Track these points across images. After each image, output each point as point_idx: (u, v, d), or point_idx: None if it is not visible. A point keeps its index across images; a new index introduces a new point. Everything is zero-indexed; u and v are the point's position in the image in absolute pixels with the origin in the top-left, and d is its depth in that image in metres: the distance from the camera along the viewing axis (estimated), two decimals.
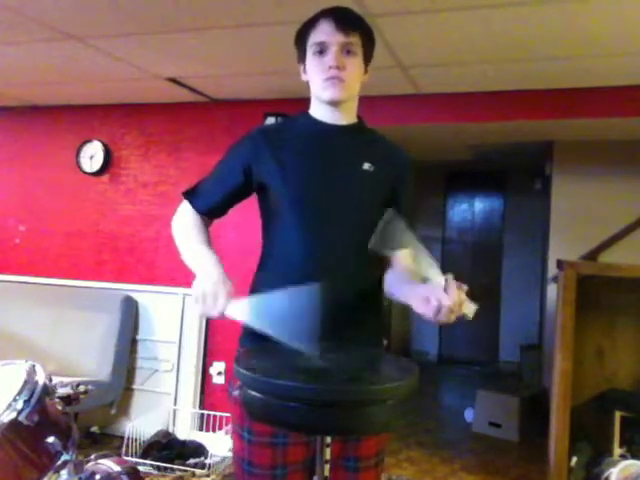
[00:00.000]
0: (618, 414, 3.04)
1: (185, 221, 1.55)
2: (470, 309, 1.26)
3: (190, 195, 1.57)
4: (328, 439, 1.27)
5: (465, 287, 1.25)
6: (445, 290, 1.23)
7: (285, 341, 1.24)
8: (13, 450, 1.63)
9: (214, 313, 1.30)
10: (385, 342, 1.59)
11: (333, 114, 1.49)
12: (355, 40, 1.43)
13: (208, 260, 1.42)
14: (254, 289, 1.53)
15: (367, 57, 1.49)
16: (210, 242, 1.52)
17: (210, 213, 1.57)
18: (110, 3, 2.34)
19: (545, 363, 4.49)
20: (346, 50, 1.42)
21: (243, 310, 1.32)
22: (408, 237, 1.38)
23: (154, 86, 3.56)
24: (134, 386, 3.81)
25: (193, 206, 1.55)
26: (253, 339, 1.48)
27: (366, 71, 1.51)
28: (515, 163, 5.75)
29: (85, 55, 3.00)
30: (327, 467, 1.27)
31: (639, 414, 3.05)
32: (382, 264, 1.59)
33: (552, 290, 4.04)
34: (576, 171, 4.34)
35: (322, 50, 1.42)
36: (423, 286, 1.30)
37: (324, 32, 1.42)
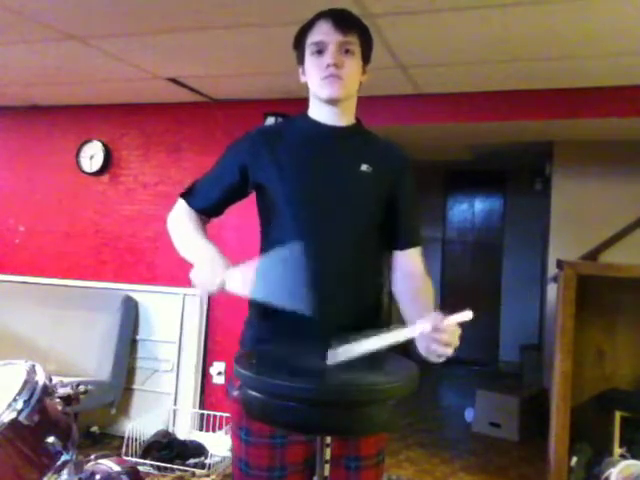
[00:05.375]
0: (618, 414, 3.04)
1: (182, 220, 1.56)
2: (465, 317, 1.24)
3: (186, 194, 1.58)
4: (328, 439, 1.27)
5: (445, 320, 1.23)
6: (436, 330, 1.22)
7: (286, 307, 1.26)
8: (13, 450, 1.63)
9: (214, 286, 1.32)
10: None
11: (332, 115, 1.49)
12: (353, 40, 1.43)
13: (203, 248, 1.45)
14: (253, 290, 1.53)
15: (365, 57, 1.49)
16: (206, 235, 1.53)
17: (206, 212, 1.57)
18: (110, 3, 2.34)
19: (545, 363, 4.49)
20: (344, 49, 1.42)
21: (243, 282, 1.33)
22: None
23: (154, 86, 3.56)
24: (134, 386, 3.80)
25: (189, 204, 1.56)
26: (253, 341, 1.49)
27: (364, 72, 1.51)
28: (515, 163, 5.75)
29: (85, 55, 3.00)
30: (327, 467, 1.27)
31: (639, 414, 3.05)
32: (388, 265, 1.59)
33: (552, 290, 4.04)
34: (576, 171, 4.35)
35: (320, 50, 1.43)
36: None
37: (322, 32, 1.42)
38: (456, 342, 1.24)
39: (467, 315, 1.22)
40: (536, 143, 4.36)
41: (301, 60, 1.50)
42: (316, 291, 1.42)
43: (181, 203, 1.58)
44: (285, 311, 1.32)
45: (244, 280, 1.33)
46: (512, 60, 2.83)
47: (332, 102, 1.47)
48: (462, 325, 1.25)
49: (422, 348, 1.27)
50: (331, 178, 1.47)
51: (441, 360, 1.26)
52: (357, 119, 1.56)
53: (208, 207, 1.57)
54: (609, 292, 3.31)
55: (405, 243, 1.58)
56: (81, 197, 4.14)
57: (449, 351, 1.23)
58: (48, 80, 3.60)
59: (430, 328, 1.22)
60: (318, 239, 1.45)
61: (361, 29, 1.47)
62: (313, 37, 1.44)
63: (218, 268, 1.34)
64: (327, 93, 1.44)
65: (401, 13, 2.31)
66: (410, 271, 1.56)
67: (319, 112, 1.51)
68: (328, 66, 1.41)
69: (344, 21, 1.43)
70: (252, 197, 1.56)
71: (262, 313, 1.49)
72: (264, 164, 1.47)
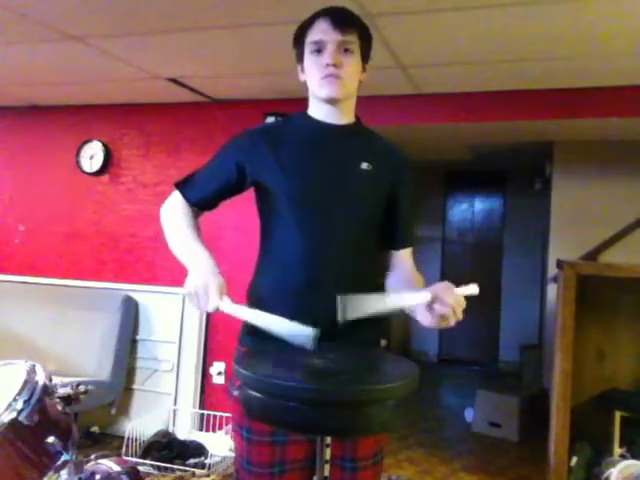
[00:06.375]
0: (618, 414, 3.03)
1: (176, 213, 1.55)
2: (472, 290, 1.27)
3: (182, 186, 1.57)
4: (328, 439, 1.27)
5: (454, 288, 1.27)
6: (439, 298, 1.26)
7: (284, 338, 1.25)
8: (13, 450, 1.63)
9: (207, 308, 1.31)
10: (384, 342, 1.61)
11: (331, 113, 1.49)
12: (352, 38, 1.43)
13: (198, 256, 1.43)
14: (252, 288, 1.54)
15: (364, 56, 1.49)
16: (200, 236, 1.52)
17: (200, 205, 1.57)
18: (110, 3, 2.34)
19: (545, 363, 4.49)
20: (343, 48, 1.42)
21: (239, 308, 1.32)
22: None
23: (154, 86, 3.56)
24: (134, 386, 3.80)
25: (184, 197, 1.55)
26: (253, 338, 1.49)
27: (364, 70, 1.51)
28: (515, 163, 5.75)
29: (85, 55, 3.00)
30: (327, 467, 1.27)
31: (639, 414, 3.05)
32: (382, 263, 1.60)
33: (552, 290, 4.04)
34: (576, 171, 4.34)
35: (319, 49, 1.43)
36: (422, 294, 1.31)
37: (321, 31, 1.42)
38: (460, 314, 1.26)
39: (473, 289, 1.24)
40: (536, 143, 4.36)
41: (300, 58, 1.50)
42: (316, 290, 1.42)
43: (176, 195, 1.57)
44: (285, 311, 1.32)
45: (239, 311, 1.33)
46: (512, 60, 2.83)
47: (331, 101, 1.47)
48: (463, 325, 1.26)
49: (423, 314, 1.31)
50: (332, 176, 1.47)
51: (442, 327, 1.29)
52: (357, 117, 1.56)
53: (203, 200, 1.56)
54: (609, 292, 3.31)
55: (402, 243, 1.59)
56: (81, 197, 4.14)
57: (453, 320, 1.26)
58: (48, 80, 3.60)
59: (439, 291, 1.26)
60: (318, 236, 1.45)
61: (360, 28, 1.47)
62: (312, 36, 1.44)
63: (213, 291, 1.30)
64: (326, 93, 1.44)
65: (401, 13, 2.31)
66: (404, 270, 1.57)
67: (319, 111, 1.51)
68: (327, 66, 1.41)
69: (343, 20, 1.43)
70: (252, 196, 1.56)
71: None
72: (264, 163, 1.47)
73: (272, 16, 2.40)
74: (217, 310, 1.31)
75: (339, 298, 1.24)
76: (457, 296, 1.26)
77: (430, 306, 1.28)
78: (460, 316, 1.27)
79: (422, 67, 3.00)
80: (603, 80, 3.05)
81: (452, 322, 1.27)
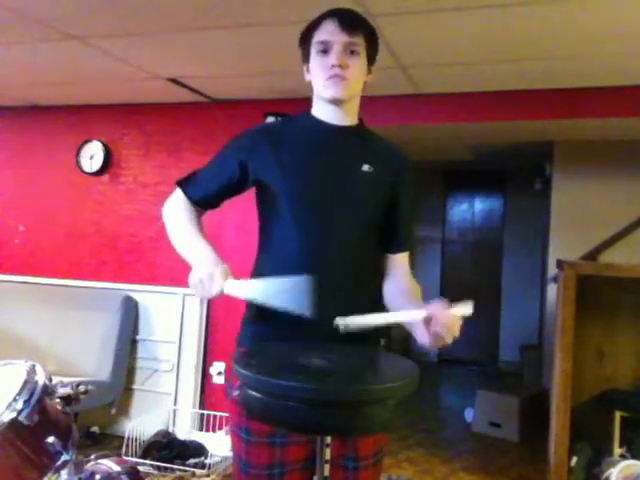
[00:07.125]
0: (618, 414, 3.03)
1: (178, 211, 1.55)
2: (466, 310, 1.26)
3: (184, 184, 1.57)
4: (328, 439, 1.27)
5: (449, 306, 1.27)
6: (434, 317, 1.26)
7: (285, 309, 1.27)
8: (13, 450, 1.63)
9: (213, 293, 1.32)
10: (383, 341, 1.61)
11: (335, 114, 1.50)
12: (359, 40, 1.44)
13: (201, 250, 1.44)
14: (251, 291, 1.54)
15: (371, 58, 1.50)
16: (203, 232, 1.52)
17: (203, 203, 1.57)
18: (110, 3, 2.34)
19: (545, 363, 4.49)
20: (349, 50, 1.43)
21: (242, 287, 1.34)
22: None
23: (154, 86, 3.56)
24: (134, 386, 3.80)
25: (186, 195, 1.55)
26: (251, 339, 1.49)
27: (370, 71, 1.51)
28: (515, 163, 5.75)
29: (85, 55, 3.00)
30: (327, 467, 1.27)
31: (639, 414, 3.05)
32: (381, 265, 1.60)
33: (552, 290, 4.04)
34: (576, 171, 4.35)
35: (325, 49, 1.43)
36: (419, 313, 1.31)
37: (328, 32, 1.43)
38: (456, 332, 1.26)
39: (468, 309, 1.24)
40: (536, 143, 4.36)
41: (306, 58, 1.50)
42: (316, 290, 1.42)
43: (178, 193, 1.57)
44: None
45: (243, 286, 1.34)
46: (512, 60, 2.83)
47: (336, 102, 1.47)
48: (463, 324, 1.26)
49: (421, 333, 1.30)
50: (333, 177, 1.47)
51: (439, 346, 1.28)
52: (360, 119, 1.56)
53: (205, 199, 1.56)
54: (609, 292, 3.31)
55: (399, 247, 1.59)
56: (81, 197, 4.14)
57: (449, 338, 1.26)
58: (48, 80, 3.60)
59: (434, 311, 1.25)
60: (319, 238, 1.45)
61: (367, 30, 1.47)
62: (319, 36, 1.44)
63: (218, 276, 1.32)
64: (331, 93, 1.44)
65: (401, 13, 2.31)
66: (400, 274, 1.57)
67: (322, 111, 1.51)
68: (333, 66, 1.41)
69: (350, 21, 1.44)
70: (253, 196, 1.56)
71: (260, 312, 1.49)
72: (265, 162, 1.47)
73: (272, 16, 2.40)
74: (222, 293, 1.32)
75: (337, 320, 1.25)
76: (452, 315, 1.26)
77: (426, 325, 1.28)
78: (457, 333, 1.26)
79: (422, 67, 3.00)
80: (603, 80, 3.06)
81: (449, 340, 1.26)
